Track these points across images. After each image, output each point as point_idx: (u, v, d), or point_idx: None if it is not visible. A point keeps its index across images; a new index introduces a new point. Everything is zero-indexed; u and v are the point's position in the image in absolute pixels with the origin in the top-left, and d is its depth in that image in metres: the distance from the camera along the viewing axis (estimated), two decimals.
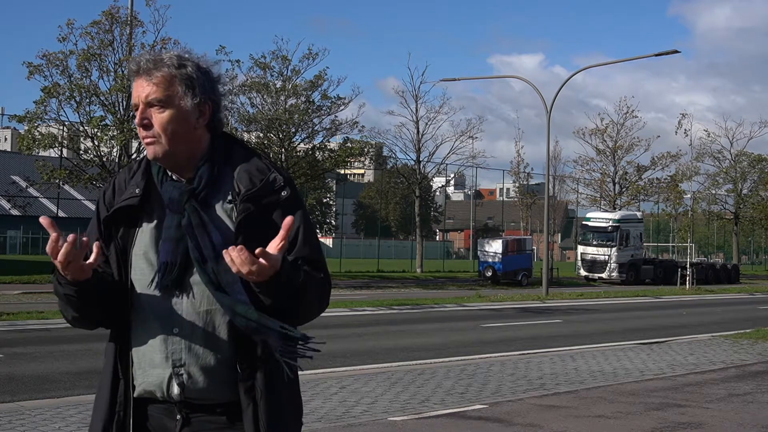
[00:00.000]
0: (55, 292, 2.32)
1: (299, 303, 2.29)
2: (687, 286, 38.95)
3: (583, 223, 48.16)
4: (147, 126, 2.34)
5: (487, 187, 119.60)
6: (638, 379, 10.08)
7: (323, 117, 35.17)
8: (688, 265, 41.08)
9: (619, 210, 49.81)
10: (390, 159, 52.46)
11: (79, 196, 43.90)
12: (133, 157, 25.86)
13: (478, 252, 42.77)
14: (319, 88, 34.60)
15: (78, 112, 26.41)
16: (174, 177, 2.41)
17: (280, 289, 2.21)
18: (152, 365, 2.34)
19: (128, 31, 26.81)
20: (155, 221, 2.39)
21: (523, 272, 39.95)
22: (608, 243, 44.53)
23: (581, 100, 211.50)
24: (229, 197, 2.37)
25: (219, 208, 2.37)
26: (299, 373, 2.44)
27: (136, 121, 2.36)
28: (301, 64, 35.19)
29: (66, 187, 31.15)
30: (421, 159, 47.18)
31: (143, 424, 2.40)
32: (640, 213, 52.36)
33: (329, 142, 36.60)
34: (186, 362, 2.32)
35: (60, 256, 2.17)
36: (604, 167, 53.48)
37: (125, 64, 25.81)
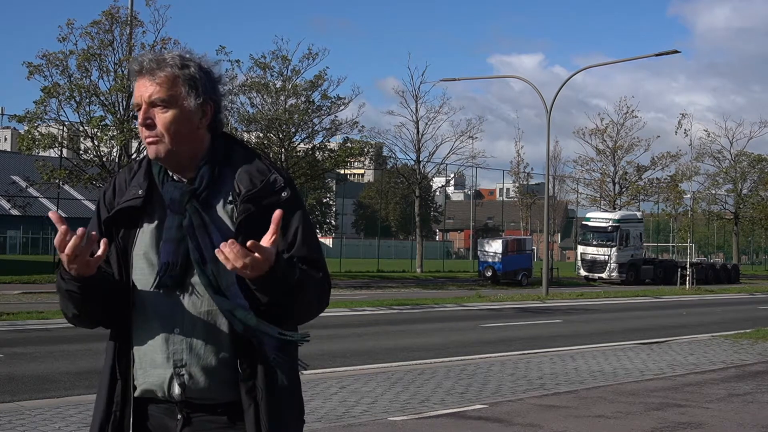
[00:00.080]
0: (58, 288, 2.33)
1: (296, 301, 2.29)
2: (687, 286, 38.96)
3: (583, 223, 48.16)
4: (150, 126, 2.34)
5: (487, 187, 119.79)
6: (638, 379, 10.08)
7: (323, 117, 35.21)
8: (688, 265, 41.09)
9: (619, 210, 49.80)
10: (390, 159, 52.52)
11: (79, 196, 43.88)
12: (133, 157, 25.86)
13: (478, 252, 42.78)
14: (319, 88, 34.63)
15: (78, 112, 26.45)
16: (175, 177, 2.42)
17: (275, 286, 2.21)
18: (153, 365, 2.35)
19: (128, 31, 26.81)
20: (156, 222, 2.39)
21: (523, 272, 39.96)
22: (608, 243, 44.54)
23: (581, 100, 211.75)
24: (230, 198, 2.37)
25: (220, 209, 2.37)
26: (300, 373, 2.45)
27: (139, 120, 2.35)
28: (301, 64, 35.26)
29: (66, 187, 31.15)
30: (421, 159, 47.21)
31: (144, 423, 2.40)
32: (640, 213, 52.36)
33: (329, 142, 36.62)
34: (187, 362, 2.32)
35: (68, 249, 2.17)
36: (604, 167, 53.53)
37: (125, 64, 25.82)
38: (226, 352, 2.33)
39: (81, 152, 27.98)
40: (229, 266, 2.15)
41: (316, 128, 35.23)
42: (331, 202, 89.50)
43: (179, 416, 2.36)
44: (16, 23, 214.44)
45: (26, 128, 25.48)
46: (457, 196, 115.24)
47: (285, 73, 34.97)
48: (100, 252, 2.23)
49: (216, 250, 2.16)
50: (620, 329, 18.06)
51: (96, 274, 2.26)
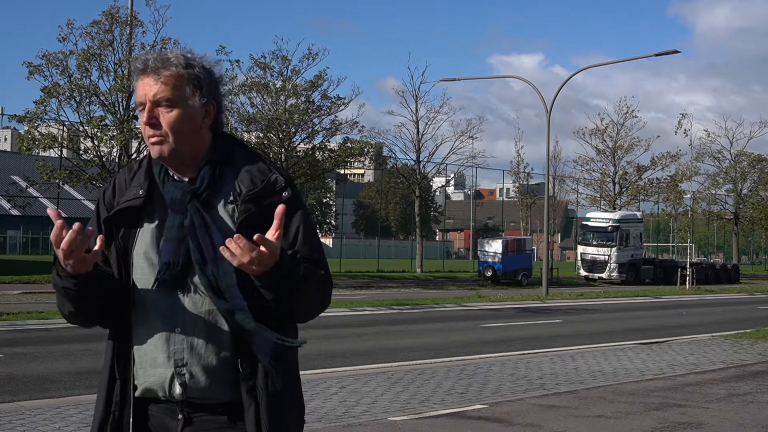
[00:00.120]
0: (54, 285, 2.33)
1: (301, 298, 2.29)
2: (687, 286, 38.96)
3: (583, 223, 48.16)
4: (155, 125, 2.34)
5: (487, 187, 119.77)
6: (638, 379, 10.08)
7: (323, 117, 35.22)
8: (688, 265, 41.09)
9: (619, 210, 49.81)
10: (390, 159, 52.53)
11: (79, 196, 43.90)
12: (133, 157, 25.85)
13: (478, 252, 42.78)
14: (319, 88, 34.64)
15: (78, 112, 26.44)
16: (176, 177, 2.42)
17: (281, 282, 2.21)
18: (154, 365, 2.34)
19: (128, 31, 26.80)
20: (157, 221, 2.39)
21: (523, 272, 39.96)
22: (608, 243, 44.54)
23: (581, 100, 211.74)
24: (231, 198, 2.37)
25: (221, 209, 2.37)
26: (300, 373, 2.45)
27: (143, 119, 2.35)
28: (301, 64, 35.27)
29: (66, 187, 31.16)
30: (421, 159, 47.22)
31: (144, 423, 2.40)
32: (640, 213, 52.36)
33: (329, 142, 36.63)
34: (188, 362, 2.32)
35: (63, 244, 2.17)
36: (604, 167, 53.54)
37: (125, 64, 25.83)
38: (227, 351, 2.33)
39: (81, 152, 27.98)
40: (235, 262, 2.15)
41: (316, 128, 35.29)
42: (331, 202, 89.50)
43: (180, 416, 2.36)
44: (16, 23, 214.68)
45: (26, 128, 25.48)
46: (457, 196, 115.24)
47: (285, 73, 35.02)
48: (96, 247, 2.22)
49: (221, 247, 2.16)
50: (620, 329, 18.06)
51: (92, 272, 2.25)
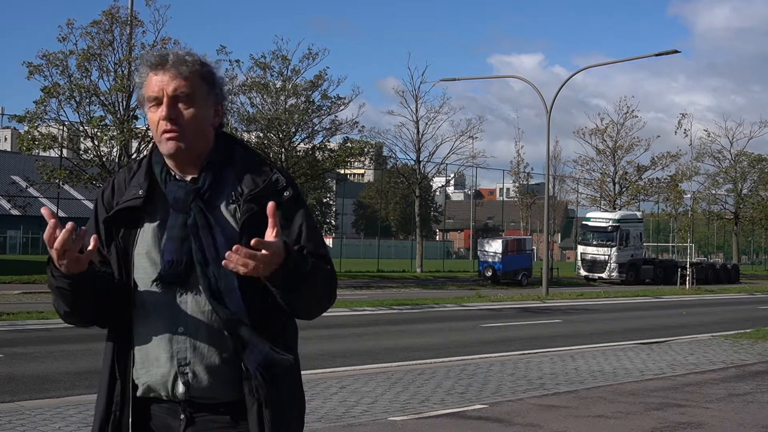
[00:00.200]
0: (49, 285, 2.33)
1: (308, 292, 2.29)
2: (687, 286, 38.96)
3: (583, 223, 48.17)
4: (174, 120, 2.33)
5: (487, 187, 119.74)
6: (638, 379, 10.09)
7: (323, 117, 35.21)
8: (688, 265, 41.10)
9: (619, 210, 49.81)
10: (390, 159, 52.54)
11: (79, 196, 43.89)
12: (133, 157, 25.86)
13: (478, 252, 42.78)
14: (319, 88, 34.63)
15: (78, 112, 26.47)
16: (177, 176, 2.42)
17: (289, 276, 2.21)
18: (157, 364, 2.34)
19: (128, 31, 26.81)
20: (158, 221, 2.39)
21: (523, 272, 39.96)
22: (608, 243, 44.54)
23: (581, 100, 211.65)
24: (233, 198, 2.38)
25: (223, 209, 2.37)
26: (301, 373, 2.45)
27: (162, 114, 2.33)
28: (301, 64, 35.27)
29: (66, 187, 31.16)
30: (421, 159, 47.23)
31: (146, 423, 2.40)
32: (640, 213, 52.35)
33: (329, 142, 36.63)
34: (191, 361, 2.32)
35: (57, 244, 2.17)
36: (604, 167, 53.52)
37: (125, 64, 25.86)
38: (230, 351, 2.32)
39: (81, 152, 28.00)
40: (242, 272, 2.15)
41: (316, 128, 35.28)
42: (331, 202, 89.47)
43: (182, 416, 2.36)
44: (16, 23, 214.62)
45: (26, 128, 25.50)
46: (457, 196, 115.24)
47: (285, 73, 35.01)
48: (90, 247, 2.22)
49: (223, 262, 2.16)
50: (620, 329, 18.06)
51: (87, 271, 2.25)
